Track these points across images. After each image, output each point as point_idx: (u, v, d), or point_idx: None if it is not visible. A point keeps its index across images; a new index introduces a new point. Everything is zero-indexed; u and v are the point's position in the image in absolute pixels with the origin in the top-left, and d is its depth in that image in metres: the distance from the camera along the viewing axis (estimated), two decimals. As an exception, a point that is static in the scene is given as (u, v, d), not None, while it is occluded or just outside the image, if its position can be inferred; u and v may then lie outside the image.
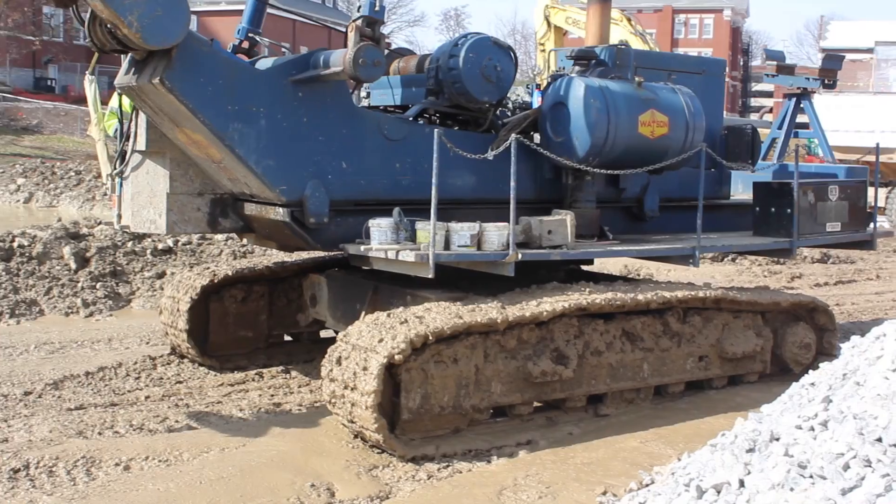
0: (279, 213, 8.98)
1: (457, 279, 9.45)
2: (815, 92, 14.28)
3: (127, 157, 9.67)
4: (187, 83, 8.36)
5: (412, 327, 7.90)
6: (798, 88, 14.06)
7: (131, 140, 9.57)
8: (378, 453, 8.06)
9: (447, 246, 8.57)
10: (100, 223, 16.31)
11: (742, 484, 5.18)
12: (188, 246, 15.21)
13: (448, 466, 7.85)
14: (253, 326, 11.01)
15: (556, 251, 9.14)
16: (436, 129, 8.61)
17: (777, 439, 5.45)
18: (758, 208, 11.14)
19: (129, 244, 14.82)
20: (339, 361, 8.05)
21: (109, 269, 14.24)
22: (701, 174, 9.91)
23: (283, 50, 10.65)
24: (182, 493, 7.11)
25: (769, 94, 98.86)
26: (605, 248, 10.00)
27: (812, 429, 5.26)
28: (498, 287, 9.09)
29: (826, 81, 14.13)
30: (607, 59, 10.55)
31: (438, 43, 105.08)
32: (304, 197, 8.92)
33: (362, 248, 8.90)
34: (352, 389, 7.82)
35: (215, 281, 10.62)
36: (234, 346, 10.88)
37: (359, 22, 8.58)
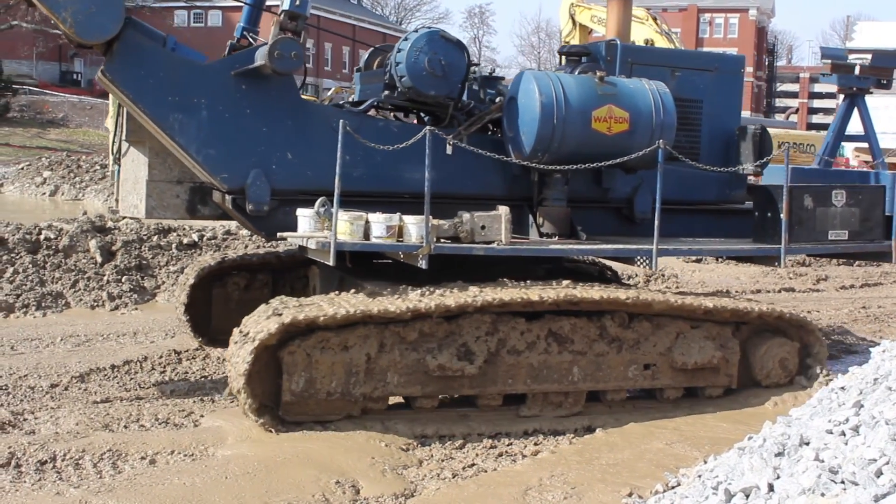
0: (225, 200, 9.34)
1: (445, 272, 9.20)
2: (868, 92, 13.91)
3: (118, 146, 10.29)
4: (126, 74, 8.82)
5: (273, 320, 8.14)
6: (853, 88, 13.74)
7: (120, 130, 10.17)
8: (404, 451, 8.07)
9: (367, 236, 8.72)
10: (124, 217, 16.37)
11: (771, 488, 5.15)
12: (213, 241, 15.25)
13: (473, 465, 7.86)
14: None
15: (479, 247, 8.92)
16: (341, 121, 8.74)
17: (807, 443, 5.42)
18: (756, 213, 10.58)
19: (155, 238, 14.87)
20: (241, 330, 8.39)
21: (135, 262, 14.31)
22: (659, 172, 9.34)
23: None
24: (207, 488, 7.13)
25: (794, 95, 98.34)
26: (542, 246, 9.53)
27: (843, 433, 5.22)
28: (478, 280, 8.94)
29: (882, 81, 13.77)
30: (600, 55, 10.40)
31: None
32: (245, 185, 9.19)
33: (279, 234, 9.26)
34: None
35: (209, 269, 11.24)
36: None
37: (281, 16, 9.03)
